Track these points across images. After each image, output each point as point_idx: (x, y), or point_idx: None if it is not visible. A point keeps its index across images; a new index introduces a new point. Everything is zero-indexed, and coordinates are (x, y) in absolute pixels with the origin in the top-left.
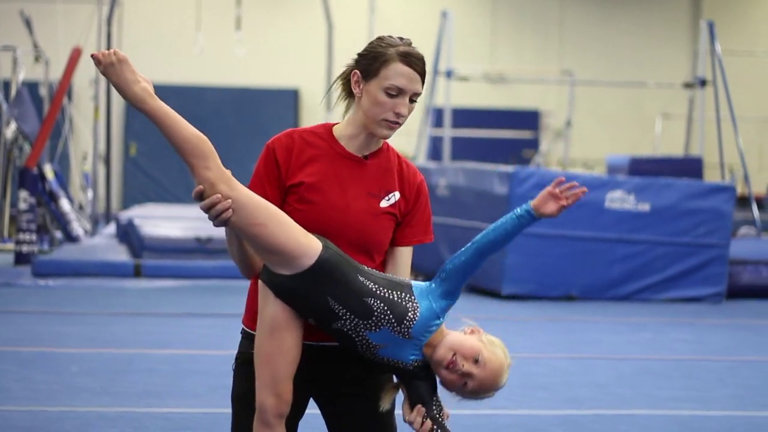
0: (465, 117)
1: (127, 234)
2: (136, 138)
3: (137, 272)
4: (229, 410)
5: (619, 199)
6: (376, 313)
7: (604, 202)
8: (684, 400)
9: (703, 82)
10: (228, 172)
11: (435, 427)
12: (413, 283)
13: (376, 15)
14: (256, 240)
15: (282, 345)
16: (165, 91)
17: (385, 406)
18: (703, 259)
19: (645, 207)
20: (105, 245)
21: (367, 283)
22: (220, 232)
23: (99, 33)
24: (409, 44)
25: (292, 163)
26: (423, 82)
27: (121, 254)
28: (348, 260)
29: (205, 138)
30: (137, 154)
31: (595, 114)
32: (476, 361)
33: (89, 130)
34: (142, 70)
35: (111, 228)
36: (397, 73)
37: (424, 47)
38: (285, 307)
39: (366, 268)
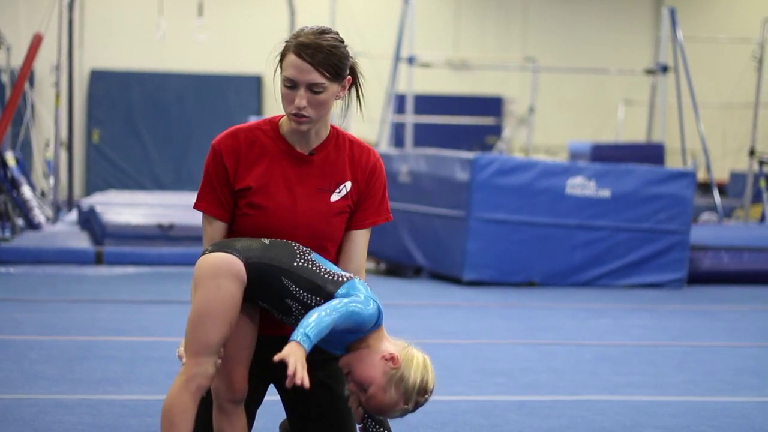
0: (428, 103)
1: (89, 221)
2: (99, 125)
3: (98, 259)
4: None
5: (579, 186)
6: (294, 314)
7: (564, 188)
8: (641, 386)
9: (664, 69)
10: (205, 383)
11: (366, 416)
12: (342, 286)
13: (338, 1)
14: (235, 315)
15: (236, 333)
16: (128, 78)
17: (348, 391)
18: (663, 245)
19: (605, 193)
20: (66, 232)
21: (289, 285)
22: (182, 219)
23: (60, 19)
24: (319, 33)
25: (240, 167)
26: (329, 72)
27: (82, 241)
28: (273, 259)
29: (173, 401)
30: (100, 141)
31: (558, 100)
32: (364, 390)
33: (51, 116)
34: (104, 56)
35: (73, 215)
36: (290, 64)
37: (387, 33)
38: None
39: (294, 264)
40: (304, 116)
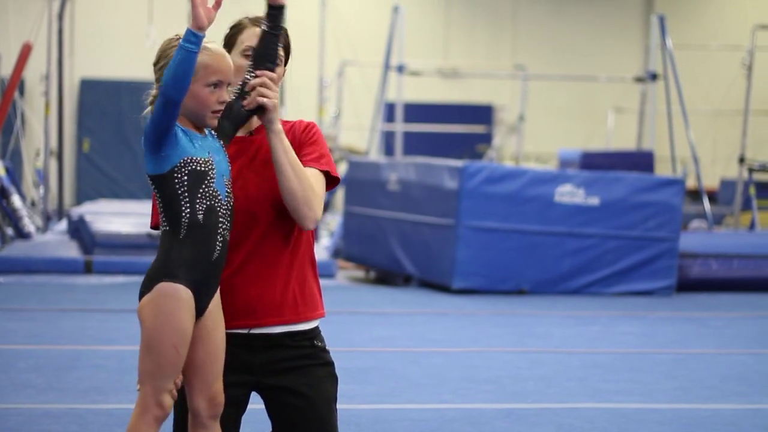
0: (418, 112)
1: (79, 230)
2: (89, 134)
3: (88, 269)
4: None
5: (568, 193)
6: (209, 205)
7: (553, 196)
8: (629, 393)
9: (654, 76)
10: (139, 400)
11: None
12: (155, 170)
13: (327, 9)
14: (185, 350)
15: (213, 344)
16: (118, 87)
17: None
18: (652, 253)
19: (594, 201)
20: (56, 242)
21: (187, 220)
22: None
23: (50, 28)
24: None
25: None
26: (283, 47)
27: (72, 251)
28: (173, 249)
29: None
30: (90, 150)
31: (548, 108)
32: (215, 86)
33: (41, 126)
34: (94, 65)
35: (63, 224)
36: (252, 34)
37: (377, 42)
38: (202, 320)
39: (167, 227)
40: None
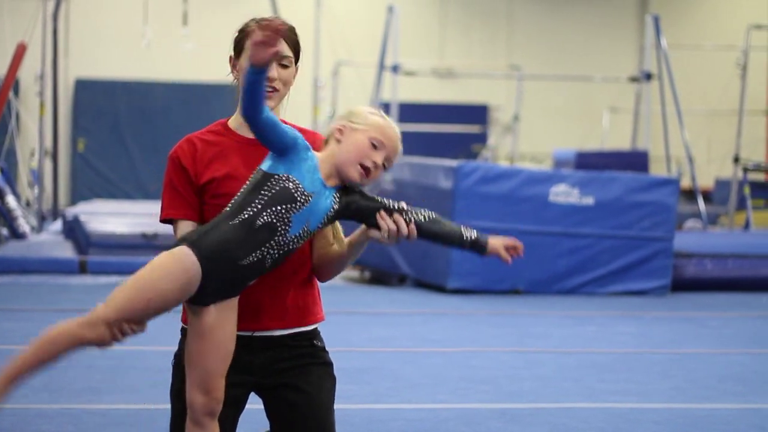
0: (414, 112)
1: (73, 230)
2: (85, 134)
3: (83, 269)
4: (168, 406)
5: (563, 193)
6: (273, 221)
7: (548, 196)
8: (625, 393)
9: (648, 76)
10: (90, 317)
11: (407, 217)
12: (265, 166)
13: (322, 9)
14: (158, 310)
15: (212, 342)
16: (113, 87)
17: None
18: (647, 253)
19: (589, 201)
20: (51, 242)
21: (248, 216)
22: (167, 228)
23: (44, 28)
24: (275, 17)
25: (198, 165)
26: (292, 48)
27: (66, 251)
28: (218, 227)
29: (55, 334)
30: (85, 150)
31: (543, 108)
32: (375, 147)
33: (36, 126)
34: (89, 65)
35: (58, 225)
36: None
37: (372, 42)
38: (208, 311)
39: (230, 208)
40: (274, 89)
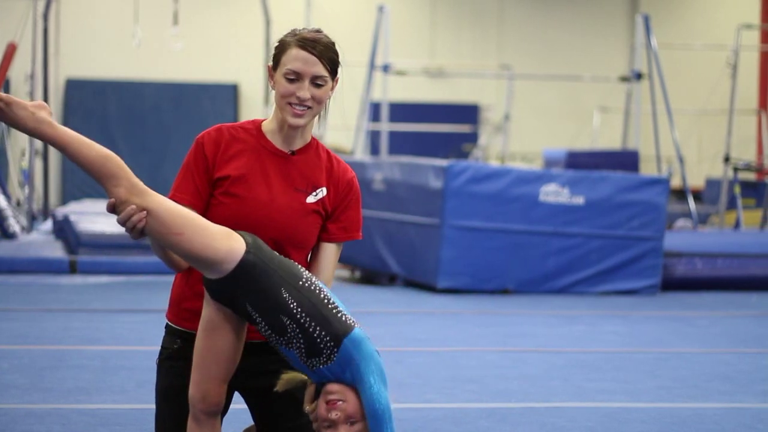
0: (404, 111)
1: (63, 230)
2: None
3: (73, 268)
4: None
5: (553, 193)
6: (288, 335)
7: (538, 195)
8: (613, 392)
9: (639, 76)
10: (140, 185)
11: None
12: (351, 334)
13: (313, 9)
14: (174, 248)
15: (214, 345)
16: (103, 87)
17: (280, 387)
18: (637, 252)
19: (579, 200)
20: (41, 242)
21: (290, 301)
22: None
23: (35, 28)
24: (316, 31)
25: (219, 156)
26: (329, 67)
27: (56, 251)
28: (278, 268)
29: (111, 155)
30: None
31: (534, 108)
32: (352, 423)
33: None
34: (79, 65)
35: (48, 224)
36: (293, 57)
37: (362, 41)
38: (221, 308)
39: (300, 283)
40: (306, 107)
